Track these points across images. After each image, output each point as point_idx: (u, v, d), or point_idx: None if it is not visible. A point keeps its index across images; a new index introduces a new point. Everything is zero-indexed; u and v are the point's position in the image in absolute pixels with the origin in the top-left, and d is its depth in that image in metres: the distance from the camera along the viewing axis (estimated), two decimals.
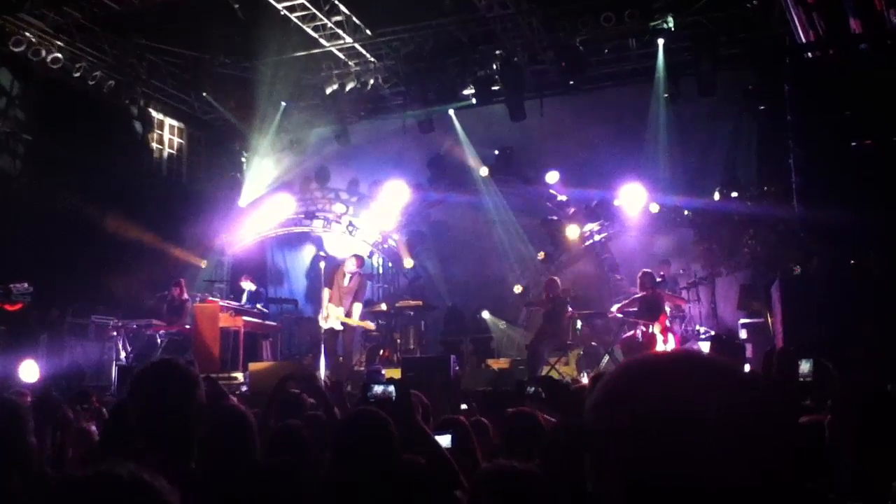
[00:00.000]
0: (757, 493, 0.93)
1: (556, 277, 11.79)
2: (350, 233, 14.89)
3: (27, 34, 11.14)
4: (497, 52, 12.76)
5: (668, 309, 10.76)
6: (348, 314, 10.87)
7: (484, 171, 14.07)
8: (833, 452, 2.26)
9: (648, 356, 1.06)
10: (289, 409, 4.63)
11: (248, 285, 12.94)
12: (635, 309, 10.83)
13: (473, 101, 13.57)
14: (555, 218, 13.60)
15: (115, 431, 2.83)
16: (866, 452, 1.97)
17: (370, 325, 11.53)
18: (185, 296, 11.88)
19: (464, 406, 6.73)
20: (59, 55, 11.57)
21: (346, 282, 10.97)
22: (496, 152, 14.14)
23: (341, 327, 10.87)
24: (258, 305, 12.62)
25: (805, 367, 2.41)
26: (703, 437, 0.92)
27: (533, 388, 3.00)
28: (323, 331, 10.89)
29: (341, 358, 11.19)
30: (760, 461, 0.93)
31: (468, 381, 10.61)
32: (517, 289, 13.69)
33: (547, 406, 3.38)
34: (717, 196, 12.22)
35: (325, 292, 11.00)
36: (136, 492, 1.20)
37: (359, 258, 11.37)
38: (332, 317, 10.84)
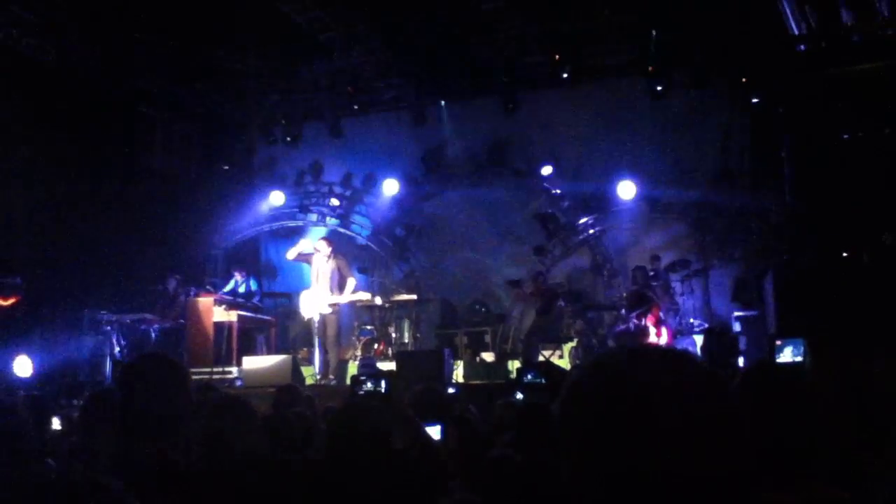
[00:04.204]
0: (717, 483, 0.94)
1: (542, 271, 11.82)
2: (346, 226, 14.88)
3: (18, 27, 11.08)
4: (490, 44, 12.73)
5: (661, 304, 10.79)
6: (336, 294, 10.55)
7: None
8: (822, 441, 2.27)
9: (610, 351, 1.09)
10: (286, 401, 4.64)
11: (239, 279, 12.96)
12: (626, 303, 10.89)
13: (467, 93, 13.54)
14: (549, 211, 13.61)
15: (91, 424, 2.82)
16: (846, 438, 1.98)
17: (364, 295, 11.24)
18: (179, 290, 11.86)
19: (451, 390, 6.71)
20: (50, 48, 11.50)
21: (323, 267, 10.62)
22: (490, 146, 14.13)
23: (329, 310, 10.53)
24: (253, 300, 12.63)
25: (789, 350, 2.41)
26: (659, 429, 0.94)
27: (531, 375, 3.02)
28: (308, 319, 10.68)
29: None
30: (719, 452, 0.95)
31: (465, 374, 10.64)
32: (511, 283, 13.68)
33: (545, 392, 3.40)
34: (709, 188, 12.22)
35: (292, 255, 10.79)
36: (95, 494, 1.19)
37: (328, 240, 11.08)
38: (315, 304, 10.51)
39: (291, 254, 10.87)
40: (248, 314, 12.15)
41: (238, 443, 2.81)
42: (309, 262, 10.77)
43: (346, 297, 10.67)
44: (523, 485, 2.06)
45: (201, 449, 2.88)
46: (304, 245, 10.87)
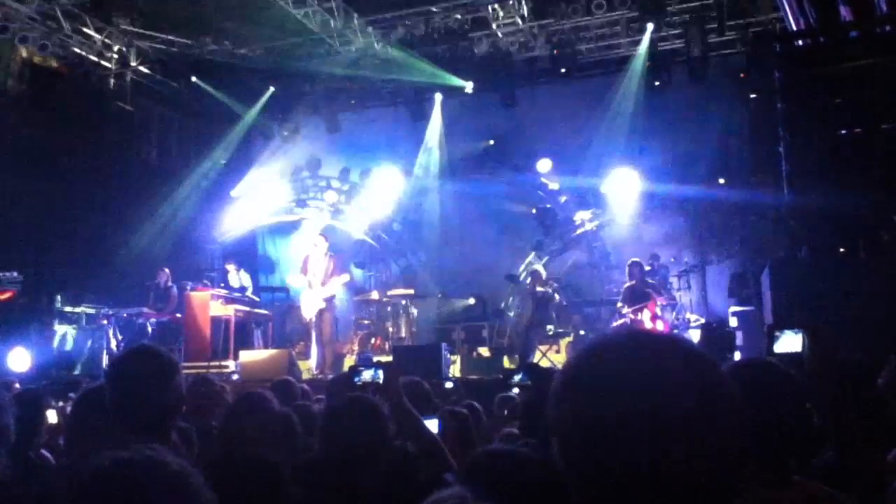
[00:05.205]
0: (713, 480, 0.93)
1: (538, 267, 11.82)
2: (343, 221, 14.87)
3: (14, 20, 11.04)
4: (488, 39, 12.71)
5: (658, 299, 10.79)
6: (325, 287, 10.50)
7: None
8: (821, 436, 2.27)
9: (602, 340, 1.04)
10: (281, 396, 4.63)
11: (233, 275, 12.95)
12: (622, 298, 10.90)
13: (467, 88, 13.50)
14: (548, 206, 13.62)
15: (83, 418, 2.80)
16: (847, 434, 1.98)
17: (344, 276, 11.07)
18: (170, 283, 11.84)
19: (449, 385, 6.71)
20: (47, 42, 11.47)
21: (318, 265, 10.55)
22: (491, 142, 14.12)
23: (324, 304, 10.49)
24: (248, 293, 12.63)
25: (789, 339, 2.40)
26: (653, 423, 0.92)
27: (519, 377, 2.99)
28: (310, 319, 10.69)
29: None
30: (716, 447, 0.93)
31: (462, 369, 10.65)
32: (509, 278, 13.70)
33: (532, 392, 3.39)
34: (720, 180, 12.18)
35: (301, 279, 10.68)
36: (168, 476, 1.16)
37: (325, 236, 10.96)
38: (314, 303, 10.50)
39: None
40: (246, 308, 12.14)
41: (258, 439, 2.80)
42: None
43: (330, 289, 10.57)
44: (519, 479, 2.05)
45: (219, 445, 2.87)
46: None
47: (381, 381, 3.09)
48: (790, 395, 1.90)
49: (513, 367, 10.23)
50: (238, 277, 13.08)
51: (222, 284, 12.74)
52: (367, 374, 3.17)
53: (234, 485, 2.10)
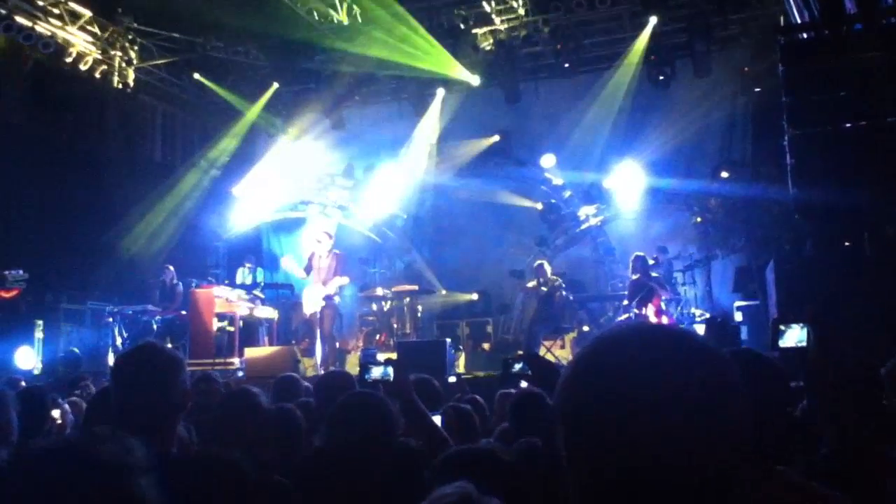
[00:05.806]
0: (714, 478, 0.92)
1: (543, 262, 11.80)
2: (347, 217, 14.86)
3: (17, 17, 11.05)
4: (492, 34, 12.68)
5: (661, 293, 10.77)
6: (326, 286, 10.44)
7: None
8: (817, 434, 2.25)
9: (612, 333, 1.03)
10: (284, 392, 4.64)
11: (244, 272, 12.99)
12: (627, 293, 10.88)
13: (472, 81, 13.46)
14: (552, 201, 13.60)
15: (97, 417, 2.82)
16: (847, 432, 1.97)
17: (344, 279, 11.04)
18: (176, 280, 11.87)
19: (452, 379, 6.72)
20: (50, 39, 11.48)
21: (322, 262, 10.52)
22: (496, 137, 14.11)
23: (324, 302, 10.42)
24: (255, 291, 12.65)
25: (794, 334, 2.39)
26: (658, 422, 0.92)
27: (519, 366, 2.99)
28: (311, 315, 10.62)
29: (337, 343, 11.04)
30: (720, 446, 0.93)
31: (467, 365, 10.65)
32: (514, 273, 13.68)
33: (532, 384, 3.39)
34: (724, 175, 12.15)
35: (307, 276, 10.62)
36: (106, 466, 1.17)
37: (329, 234, 10.85)
38: (316, 299, 10.45)
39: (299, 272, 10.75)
40: (250, 305, 12.15)
41: (246, 434, 2.80)
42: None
43: (332, 287, 10.55)
44: (486, 474, 2.05)
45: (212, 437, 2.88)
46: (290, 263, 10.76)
47: (391, 379, 3.09)
48: (777, 388, 1.89)
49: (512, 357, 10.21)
50: (252, 276, 13.15)
51: (227, 281, 12.76)
52: (376, 372, 3.17)
53: (195, 484, 2.09)
